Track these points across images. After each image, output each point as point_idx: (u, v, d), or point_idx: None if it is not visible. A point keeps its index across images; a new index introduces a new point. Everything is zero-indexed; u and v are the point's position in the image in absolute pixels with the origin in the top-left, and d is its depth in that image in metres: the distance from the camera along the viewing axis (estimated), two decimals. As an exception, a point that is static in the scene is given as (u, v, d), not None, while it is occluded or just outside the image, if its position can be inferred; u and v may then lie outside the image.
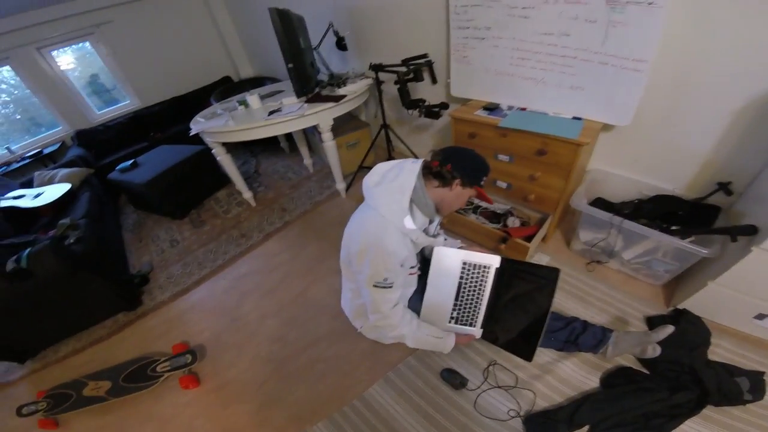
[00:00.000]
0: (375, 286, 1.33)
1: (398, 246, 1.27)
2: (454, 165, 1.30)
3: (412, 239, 1.35)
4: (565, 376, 1.60)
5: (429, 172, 1.34)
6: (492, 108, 2.16)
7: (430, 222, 1.48)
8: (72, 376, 2.01)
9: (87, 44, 4.27)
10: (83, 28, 4.05)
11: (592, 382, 1.57)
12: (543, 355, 1.68)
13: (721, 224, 1.66)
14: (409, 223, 1.27)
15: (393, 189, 1.27)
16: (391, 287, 1.34)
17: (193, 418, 1.78)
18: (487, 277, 1.49)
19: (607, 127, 1.93)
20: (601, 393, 1.50)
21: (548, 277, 1.50)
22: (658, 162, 1.93)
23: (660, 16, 1.47)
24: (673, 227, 1.73)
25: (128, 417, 1.85)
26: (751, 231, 1.40)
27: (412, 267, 1.43)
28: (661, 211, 1.84)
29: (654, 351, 1.49)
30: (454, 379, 1.63)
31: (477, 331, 1.52)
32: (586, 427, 1.42)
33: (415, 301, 1.60)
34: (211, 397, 1.84)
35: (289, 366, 1.89)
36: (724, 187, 1.72)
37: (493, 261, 1.49)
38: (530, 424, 1.46)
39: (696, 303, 1.68)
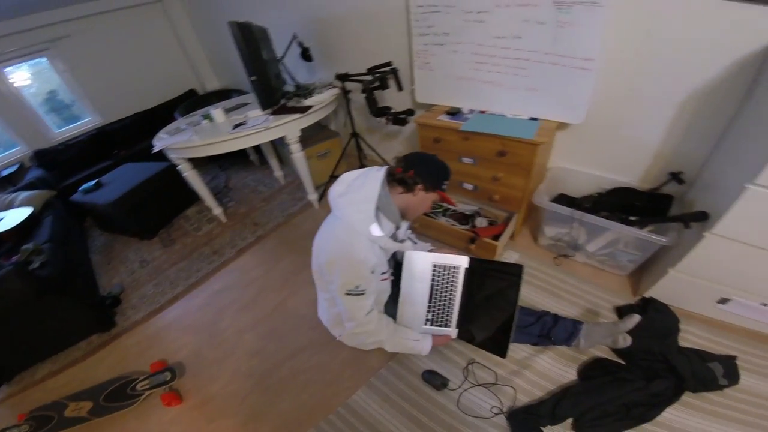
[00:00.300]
0: (347, 294, 1.34)
1: (367, 254, 1.29)
2: (416, 171, 1.34)
3: (381, 246, 1.36)
4: (543, 371, 1.63)
5: (393, 178, 1.37)
6: (454, 112, 2.21)
7: (398, 228, 1.49)
8: (51, 397, 1.97)
9: (44, 60, 4.08)
10: (38, 43, 3.86)
11: (570, 374, 1.60)
12: (519, 350, 1.71)
13: (676, 212, 1.74)
14: (376, 230, 1.29)
15: (358, 198, 1.29)
16: (363, 294, 1.36)
17: None
18: (457, 277, 1.55)
19: (563, 126, 2.00)
20: (580, 385, 1.53)
21: (514, 273, 1.53)
22: (613, 156, 2.01)
23: (603, 15, 1.55)
24: (632, 218, 1.80)
25: None
26: (702, 217, 1.46)
27: (383, 273, 1.45)
28: (619, 203, 1.92)
29: (625, 341, 1.52)
30: (435, 380, 1.64)
31: (453, 331, 1.56)
32: (570, 420, 1.44)
33: (391, 307, 1.62)
34: (195, 413, 1.82)
35: (270, 379, 1.88)
36: (676, 177, 1.82)
37: (462, 261, 1.55)
38: (514, 420, 1.48)
39: (661, 291, 1.73)
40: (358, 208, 1.28)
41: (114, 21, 4.28)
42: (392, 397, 1.66)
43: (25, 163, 4.07)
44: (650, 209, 1.84)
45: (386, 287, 1.55)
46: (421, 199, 1.39)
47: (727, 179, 1.45)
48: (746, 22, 1.38)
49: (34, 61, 4.06)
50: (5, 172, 3.85)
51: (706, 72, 1.55)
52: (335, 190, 1.35)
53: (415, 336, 1.58)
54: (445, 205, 2.46)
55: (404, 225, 1.57)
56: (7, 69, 3.87)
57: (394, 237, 1.47)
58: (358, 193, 1.30)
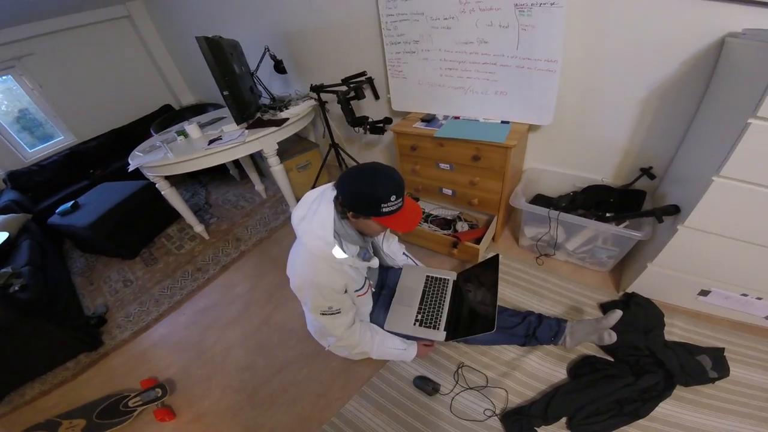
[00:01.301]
0: (323, 314, 1.35)
1: (331, 278, 1.28)
2: (343, 197, 1.20)
3: (351, 265, 1.32)
4: (532, 371, 1.64)
5: (335, 201, 1.26)
6: (429, 119, 2.23)
7: (364, 244, 1.42)
8: (43, 417, 1.95)
9: (10, 78, 3.93)
10: (1, 61, 3.73)
11: (560, 373, 1.62)
12: (508, 351, 1.73)
13: (648, 207, 1.77)
14: (338, 253, 1.24)
15: (315, 225, 1.22)
16: (339, 313, 1.36)
17: None
18: (446, 288, 1.77)
19: (533, 128, 2.04)
20: (570, 384, 1.53)
21: (492, 262, 1.69)
22: (584, 155, 2.06)
23: (561, 16, 1.57)
24: (608, 214, 1.83)
25: None
26: (674, 210, 1.49)
27: (358, 290, 1.43)
28: (594, 201, 1.96)
29: (610, 337, 1.51)
30: (426, 385, 1.65)
31: (440, 334, 1.58)
32: (564, 420, 1.45)
33: (379, 315, 1.66)
34: (189, 429, 1.81)
35: (261, 393, 1.87)
36: (646, 172, 1.86)
37: (451, 275, 1.83)
38: (507, 421, 1.48)
39: (642, 285, 1.76)
40: (316, 235, 1.21)
41: (81, 37, 4.17)
42: (385, 405, 1.66)
43: None
44: (624, 205, 1.88)
45: (366, 301, 1.55)
46: (365, 224, 1.24)
47: (694, 172, 1.48)
48: (698, 18, 1.42)
49: (3, 78, 3.91)
50: (-22, 196, 3.73)
51: (664, 68, 1.59)
52: (296, 214, 1.29)
53: (402, 345, 1.63)
54: (423, 210, 2.49)
55: (390, 242, 1.71)
56: None
57: (363, 255, 1.40)
58: (314, 218, 1.22)
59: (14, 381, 2.23)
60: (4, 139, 3.93)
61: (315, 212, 1.23)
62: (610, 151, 1.96)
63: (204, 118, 3.13)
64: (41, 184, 3.90)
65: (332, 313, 1.35)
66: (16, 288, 2.22)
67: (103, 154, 4.28)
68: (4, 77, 3.92)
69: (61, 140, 4.39)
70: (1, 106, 4.01)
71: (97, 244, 3.20)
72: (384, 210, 1.14)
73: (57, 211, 3.23)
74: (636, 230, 1.66)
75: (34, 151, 4.21)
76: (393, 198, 1.13)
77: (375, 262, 1.43)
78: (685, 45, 1.50)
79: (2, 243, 2.81)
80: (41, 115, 4.25)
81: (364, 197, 1.15)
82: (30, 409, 2.11)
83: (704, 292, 1.62)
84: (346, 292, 1.37)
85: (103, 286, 2.99)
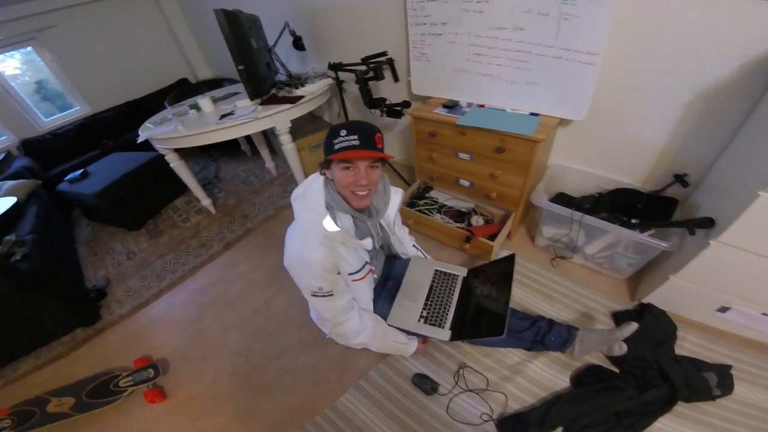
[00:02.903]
0: (313, 295, 1.29)
1: (321, 256, 1.21)
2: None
3: (343, 243, 1.26)
4: (535, 377, 1.59)
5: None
6: (451, 105, 2.12)
7: (360, 221, 1.36)
8: (34, 393, 1.95)
9: (30, 49, 4.01)
10: (23, 33, 3.79)
11: (563, 381, 1.56)
12: (512, 355, 1.67)
13: (679, 216, 1.67)
14: (329, 225, 1.20)
15: (307, 196, 1.23)
16: (331, 295, 1.29)
17: None
18: (455, 284, 1.66)
19: (564, 122, 1.92)
20: (572, 393, 1.49)
21: (507, 260, 1.56)
22: (615, 155, 1.94)
23: (608, 7, 1.46)
24: (633, 220, 1.73)
25: None
26: (708, 223, 1.39)
27: (353, 273, 1.35)
28: (620, 205, 1.85)
29: (620, 349, 1.46)
30: (425, 384, 1.61)
31: (445, 333, 1.50)
32: (560, 429, 1.41)
33: (383, 308, 1.59)
34: (179, 412, 1.79)
35: (256, 379, 1.84)
36: (680, 179, 1.75)
37: (461, 271, 1.71)
38: (503, 427, 1.45)
39: (659, 297, 1.68)
40: (307, 206, 1.22)
41: (102, 10, 4.22)
42: (381, 401, 1.62)
43: (12, 152, 4.02)
44: (652, 212, 1.76)
45: (363, 288, 1.47)
46: (333, 173, 1.20)
47: (737, 184, 1.37)
48: (764, 19, 1.29)
49: (26, 49, 4.01)
50: (-9, 161, 3.78)
51: (716, 70, 1.47)
52: (296, 192, 1.29)
53: (403, 339, 1.59)
54: (437, 200, 2.40)
55: (401, 231, 1.63)
56: None
57: (361, 232, 1.37)
58: (308, 191, 1.24)
59: (9, 354, 2.23)
60: (20, 107, 4.03)
61: (309, 185, 1.26)
62: (643, 153, 1.85)
63: (219, 92, 3.08)
64: (54, 152, 3.96)
65: (323, 295, 1.28)
66: (18, 257, 2.22)
67: (116, 125, 4.32)
68: (26, 49, 4.00)
69: (76, 110, 4.47)
70: (24, 77, 4.10)
71: (104, 212, 3.20)
72: (336, 147, 1.11)
73: (66, 178, 3.25)
74: (663, 240, 1.56)
75: (49, 120, 4.30)
76: (344, 132, 1.11)
77: (368, 243, 1.35)
78: (745, 47, 1.37)
79: (9, 208, 2.82)
80: (59, 85, 4.32)
81: (325, 141, 1.17)
82: (23, 383, 2.11)
83: (724, 309, 1.55)
84: (339, 274, 1.31)
85: (106, 258, 2.99)
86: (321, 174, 1.26)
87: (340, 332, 1.47)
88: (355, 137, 1.10)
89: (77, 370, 2.08)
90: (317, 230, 1.19)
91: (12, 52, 3.93)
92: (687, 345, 1.61)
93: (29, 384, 2.08)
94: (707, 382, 1.43)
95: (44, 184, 3.42)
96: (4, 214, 2.75)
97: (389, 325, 1.56)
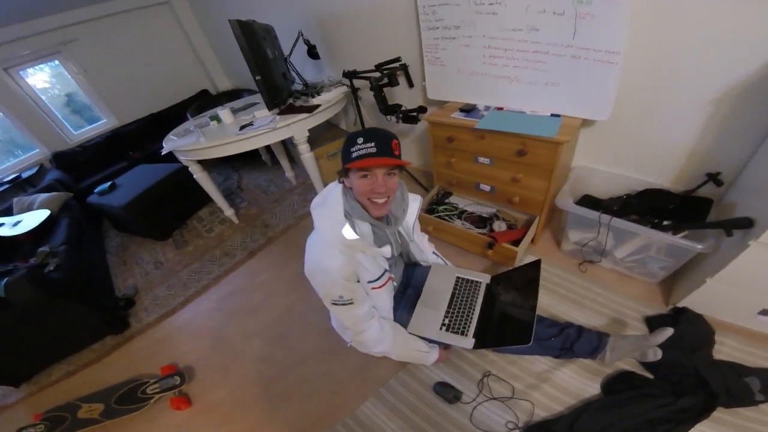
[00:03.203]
0: (334, 304, 1.28)
1: (341, 264, 1.19)
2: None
3: (361, 250, 1.24)
4: (563, 384, 1.53)
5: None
6: (468, 109, 2.08)
7: (379, 228, 1.33)
8: (66, 398, 2.02)
9: (56, 63, 4.16)
10: (48, 47, 3.93)
11: (593, 388, 1.50)
12: (539, 363, 1.62)
13: (714, 217, 1.59)
14: (348, 233, 1.18)
15: (327, 205, 1.23)
16: (352, 304, 1.28)
17: None
18: (478, 291, 1.61)
19: (587, 123, 1.86)
20: (602, 400, 1.44)
21: (532, 267, 1.52)
22: (642, 155, 1.87)
23: (626, 6, 1.41)
24: (665, 222, 1.65)
25: None
26: (747, 224, 1.31)
27: (372, 281, 1.33)
28: (650, 206, 1.77)
29: (655, 355, 1.40)
30: (447, 392, 1.58)
31: (469, 341, 1.46)
32: None
33: (402, 316, 1.56)
34: (203, 419, 1.82)
35: (277, 386, 1.85)
36: (713, 178, 1.66)
37: (484, 278, 1.66)
38: None
39: (696, 300, 1.60)
40: (326, 215, 1.21)
41: (122, 23, 4.34)
42: (401, 410, 1.60)
43: (44, 164, 4.18)
44: (685, 213, 1.68)
45: (383, 296, 1.44)
46: (351, 181, 1.19)
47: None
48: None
49: (54, 63, 4.14)
50: (25, 174, 3.95)
51: (747, 66, 1.39)
52: (315, 201, 1.29)
53: (424, 348, 1.55)
54: (457, 206, 2.36)
55: (421, 238, 1.60)
56: (25, 72, 3.95)
57: (380, 239, 1.34)
58: (327, 200, 1.24)
59: (43, 361, 2.32)
60: (51, 121, 4.17)
61: (328, 194, 1.25)
62: (673, 152, 1.76)
63: (238, 103, 3.13)
64: (83, 164, 4.10)
65: (344, 304, 1.27)
66: (51, 268, 2.31)
67: (142, 137, 4.45)
68: (53, 63, 4.13)
69: (103, 123, 4.61)
70: (54, 90, 4.24)
71: (132, 224, 3.29)
72: (354, 155, 1.10)
73: (95, 190, 3.36)
74: (697, 241, 1.48)
75: (79, 133, 4.44)
76: (360, 140, 1.09)
77: (387, 251, 1.32)
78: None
79: (44, 221, 2.95)
80: (86, 98, 4.46)
81: (343, 149, 1.16)
82: (54, 390, 2.19)
83: (765, 312, 1.46)
84: (358, 282, 1.29)
85: (134, 267, 3.08)
86: (339, 182, 1.25)
87: (361, 341, 1.44)
88: (372, 144, 1.08)
89: (107, 377, 2.14)
90: (336, 238, 1.18)
91: (41, 66, 4.07)
92: (726, 350, 1.53)
93: (61, 390, 2.16)
94: (749, 386, 1.36)
95: (75, 196, 3.54)
96: (38, 226, 2.88)
97: (410, 333, 1.53)
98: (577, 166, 2.08)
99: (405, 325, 1.55)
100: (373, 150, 1.08)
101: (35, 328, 2.13)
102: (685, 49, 1.49)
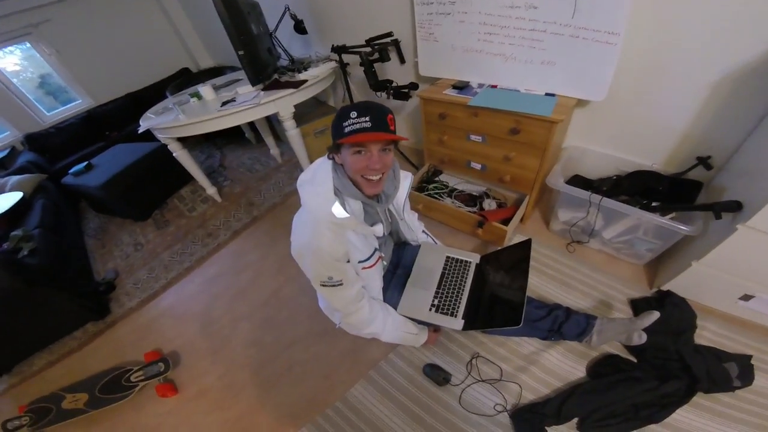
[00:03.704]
0: (323, 285, 1.24)
1: (331, 243, 1.15)
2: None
3: (352, 229, 1.21)
4: (551, 367, 1.55)
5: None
6: (462, 87, 2.04)
7: (370, 206, 1.30)
8: (50, 389, 1.98)
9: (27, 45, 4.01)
10: (18, 28, 3.79)
11: (579, 371, 1.53)
12: (527, 345, 1.63)
13: (702, 200, 1.61)
14: (338, 211, 1.14)
15: (316, 181, 1.16)
16: (341, 285, 1.24)
17: (177, 427, 1.73)
18: (468, 271, 1.59)
19: (581, 103, 1.84)
20: (589, 383, 1.46)
21: (523, 247, 1.49)
22: (635, 137, 1.87)
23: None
24: (654, 203, 1.66)
25: (113, 428, 1.80)
26: (735, 207, 1.32)
27: (363, 261, 1.30)
28: (640, 187, 1.78)
29: (640, 338, 1.41)
30: (437, 374, 1.58)
31: (458, 322, 1.45)
32: (575, 420, 1.38)
33: (393, 296, 1.54)
34: (191, 406, 1.79)
35: (266, 371, 1.83)
36: (703, 162, 1.67)
37: (473, 258, 1.64)
38: (518, 419, 1.42)
39: (680, 284, 1.62)
40: (316, 191, 1.15)
41: (96, 2, 4.20)
42: (391, 392, 1.60)
43: (16, 147, 4.05)
44: (675, 195, 1.70)
45: (374, 275, 1.41)
46: (343, 158, 1.14)
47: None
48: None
49: (25, 45, 4.02)
50: (-5, 157, 3.78)
51: (748, 51, 1.38)
52: (302, 177, 1.22)
53: (414, 329, 1.54)
54: (447, 184, 2.33)
55: (411, 216, 1.56)
56: None
57: (370, 218, 1.31)
58: (316, 176, 1.17)
59: (23, 351, 2.25)
60: (22, 103, 4.06)
61: (317, 169, 1.19)
62: (666, 135, 1.76)
63: (220, 80, 3.02)
64: (58, 145, 3.98)
65: (333, 285, 1.23)
66: (25, 252, 2.22)
67: (120, 117, 4.34)
68: (23, 45, 4.01)
69: (78, 103, 4.48)
70: (26, 73, 4.15)
71: (110, 204, 3.19)
72: (346, 130, 1.04)
73: (70, 171, 3.24)
74: (685, 224, 1.49)
75: (52, 114, 4.32)
76: (354, 114, 1.03)
77: (379, 229, 1.29)
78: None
79: (16, 203, 2.83)
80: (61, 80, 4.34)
81: (333, 124, 1.09)
82: (38, 380, 2.14)
83: (747, 297, 1.49)
84: (348, 262, 1.25)
85: (114, 249, 3.00)
86: (329, 158, 1.19)
87: (350, 322, 1.41)
88: (367, 119, 1.03)
89: (90, 365, 2.09)
90: (326, 216, 1.13)
91: (11, 48, 3.93)
92: (707, 334, 1.56)
93: (44, 379, 2.12)
94: (728, 372, 1.39)
95: (50, 178, 3.43)
96: (10, 209, 2.76)
97: (400, 314, 1.51)
98: (568, 146, 2.07)
99: (395, 305, 1.52)
100: (368, 125, 1.03)
101: (12, 316, 2.05)
102: (685, 31, 1.47)
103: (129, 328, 2.27)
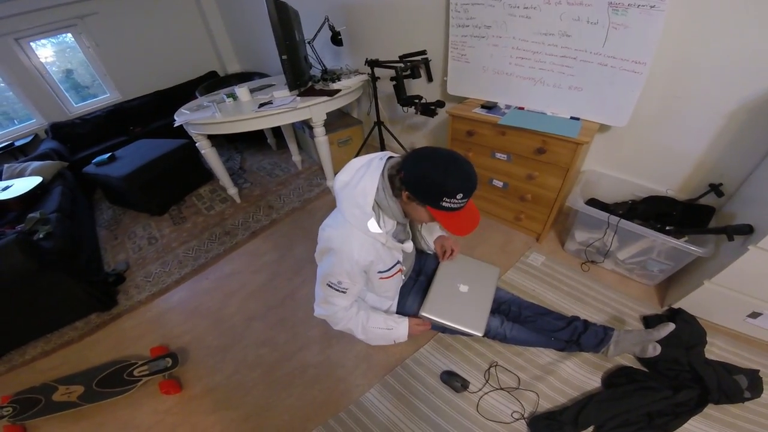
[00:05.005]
0: (329, 285, 1.29)
1: (362, 252, 1.20)
2: (406, 174, 1.09)
3: (382, 243, 1.24)
4: (567, 377, 1.58)
5: (390, 173, 1.17)
6: (490, 107, 2.15)
7: (402, 225, 1.35)
8: (40, 380, 1.86)
9: (67, 37, 4.11)
10: (66, 19, 3.90)
11: (594, 382, 1.56)
12: (544, 355, 1.66)
13: (714, 224, 1.69)
14: (373, 227, 1.17)
15: (357, 192, 1.15)
16: (344, 293, 1.30)
17: (176, 426, 1.65)
18: (492, 280, 1.62)
19: (602, 128, 1.93)
20: (605, 393, 1.48)
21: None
22: (651, 163, 1.95)
23: (660, 19, 1.48)
24: (668, 227, 1.73)
25: (105, 423, 1.71)
26: (748, 230, 1.41)
27: (382, 272, 1.33)
28: (654, 212, 1.85)
29: (654, 350, 1.47)
30: (454, 381, 1.59)
31: (481, 328, 1.46)
32: (591, 428, 1.41)
33: (414, 303, 1.58)
34: (194, 404, 1.72)
35: (278, 371, 1.79)
36: (715, 189, 1.75)
37: (497, 269, 1.69)
38: (535, 426, 1.43)
39: (690, 302, 1.68)
40: (355, 203, 1.15)
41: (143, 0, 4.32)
42: (408, 397, 1.60)
43: (40, 135, 4.11)
44: (687, 219, 1.78)
45: (389, 286, 1.45)
46: (414, 208, 1.14)
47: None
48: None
49: (59, 38, 4.13)
50: (19, 143, 3.87)
51: (764, 82, 1.48)
52: (340, 179, 1.22)
53: (387, 324, 1.51)
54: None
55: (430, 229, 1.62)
56: (33, 44, 3.94)
57: (396, 236, 1.33)
58: (358, 185, 1.16)
59: (18, 338, 2.17)
60: (52, 91, 4.12)
61: (360, 180, 1.17)
62: (681, 162, 1.86)
63: (252, 84, 3.12)
64: (82, 136, 4.03)
65: (338, 290, 1.28)
66: (41, 236, 2.18)
67: (145, 113, 4.41)
68: (64, 36, 4.12)
69: (106, 97, 4.56)
70: (53, 66, 4.20)
71: (129, 196, 3.21)
72: (444, 205, 1.05)
73: (93, 161, 3.28)
74: (697, 246, 1.57)
75: (79, 106, 4.40)
76: (459, 196, 1.04)
77: (409, 246, 1.33)
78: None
79: (35, 187, 2.84)
80: (86, 76, 4.46)
81: (429, 183, 1.05)
82: (28, 370, 2.03)
83: (755, 314, 1.55)
84: (366, 272, 1.30)
85: (126, 242, 2.98)
86: (398, 195, 1.16)
87: (331, 321, 1.47)
88: (466, 201, 1.07)
89: (89, 357, 2.01)
90: (362, 228, 1.17)
91: (49, 39, 4.04)
92: (715, 350, 1.62)
93: (35, 370, 2.01)
94: (738, 384, 1.44)
95: (70, 167, 3.46)
96: (29, 192, 2.78)
97: (425, 315, 1.49)
98: (587, 170, 2.16)
99: (414, 312, 1.53)
100: (463, 204, 1.07)
101: (16, 300, 1.98)
102: (709, 63, 1.56)
103: (136, 322, 2.20)
